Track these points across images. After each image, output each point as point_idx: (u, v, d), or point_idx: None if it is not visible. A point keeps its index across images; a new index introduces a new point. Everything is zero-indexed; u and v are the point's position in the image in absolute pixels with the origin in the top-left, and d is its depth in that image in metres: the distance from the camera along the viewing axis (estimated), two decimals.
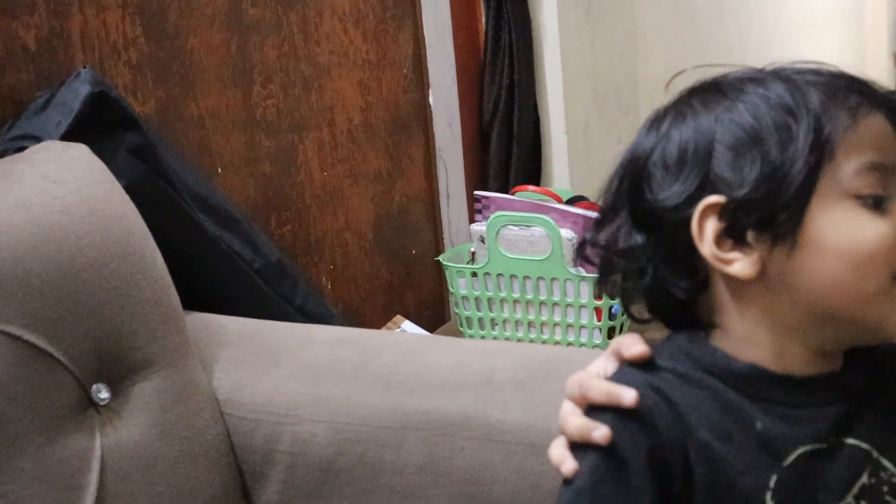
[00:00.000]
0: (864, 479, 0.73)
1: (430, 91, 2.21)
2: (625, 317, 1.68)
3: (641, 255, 0.76)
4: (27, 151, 1.19)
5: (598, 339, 1.69)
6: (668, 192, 0.74)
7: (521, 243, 1.71)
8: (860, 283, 0.71)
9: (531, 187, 1.84)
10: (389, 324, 2.00)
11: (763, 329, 0.75)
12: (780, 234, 0.72)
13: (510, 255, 1.72)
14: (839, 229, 0.71)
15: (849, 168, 0.72)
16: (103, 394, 1.12)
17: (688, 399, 0.73)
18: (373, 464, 1.15)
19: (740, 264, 0.73)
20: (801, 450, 0.73)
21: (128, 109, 1.35)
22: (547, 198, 1.79)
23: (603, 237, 0.79)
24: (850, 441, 0.74)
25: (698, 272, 0.75)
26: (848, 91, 0.74)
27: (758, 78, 0.76)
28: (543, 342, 1.76)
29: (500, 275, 1.74)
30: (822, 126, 0.72)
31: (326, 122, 1.94)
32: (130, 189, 1.22)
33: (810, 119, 0.72)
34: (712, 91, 0.77)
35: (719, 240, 0.73)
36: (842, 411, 0.74)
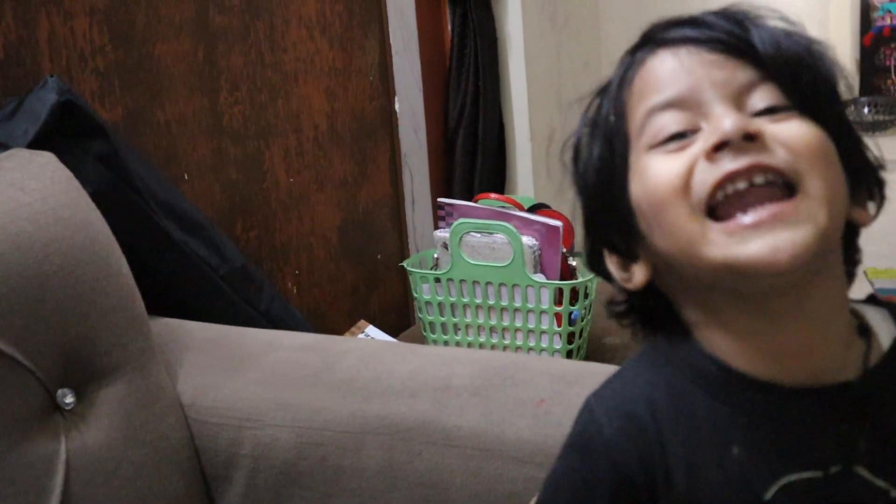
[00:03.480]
0: None
1: (397, 98, 2.23)
2: (584, 322, 1.71)
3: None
4: None
5: (558, 343, 1.72)
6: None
7: (483, 250, 1.74)
8: (669, 233, 0.64)
9: (493, 195, 1.87)
10: (354, 328, 2.02)
11: (699, 313, 0.67)
12: (624, 224, 0.69)
13: (473, 262, 1.75)
14: (638, 185, 0.67)
15: (636, 123, 0.68)
16: (69, 398, 1.13)
17: (669, 419, 0.65)
18: (333, 467, 1.17)
19: (637, 275, 0.70)
20: (785, 480, 0.60)
21: (94, 117, 1.37)
22: (509, 205, 1.81)
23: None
24: (861, 472, 0.60)
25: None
26: (642, 42, 0.71)
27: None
28: (505, 347, 1.79)
29: (462, 280, 1.77)
30: (615, 91, 0.71)
31: (293, 129, 1.96)
32: (97, 196, 1.24)
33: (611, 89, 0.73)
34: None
35: (620, 267, 0.72)
36: (843, 432, 0.60)
